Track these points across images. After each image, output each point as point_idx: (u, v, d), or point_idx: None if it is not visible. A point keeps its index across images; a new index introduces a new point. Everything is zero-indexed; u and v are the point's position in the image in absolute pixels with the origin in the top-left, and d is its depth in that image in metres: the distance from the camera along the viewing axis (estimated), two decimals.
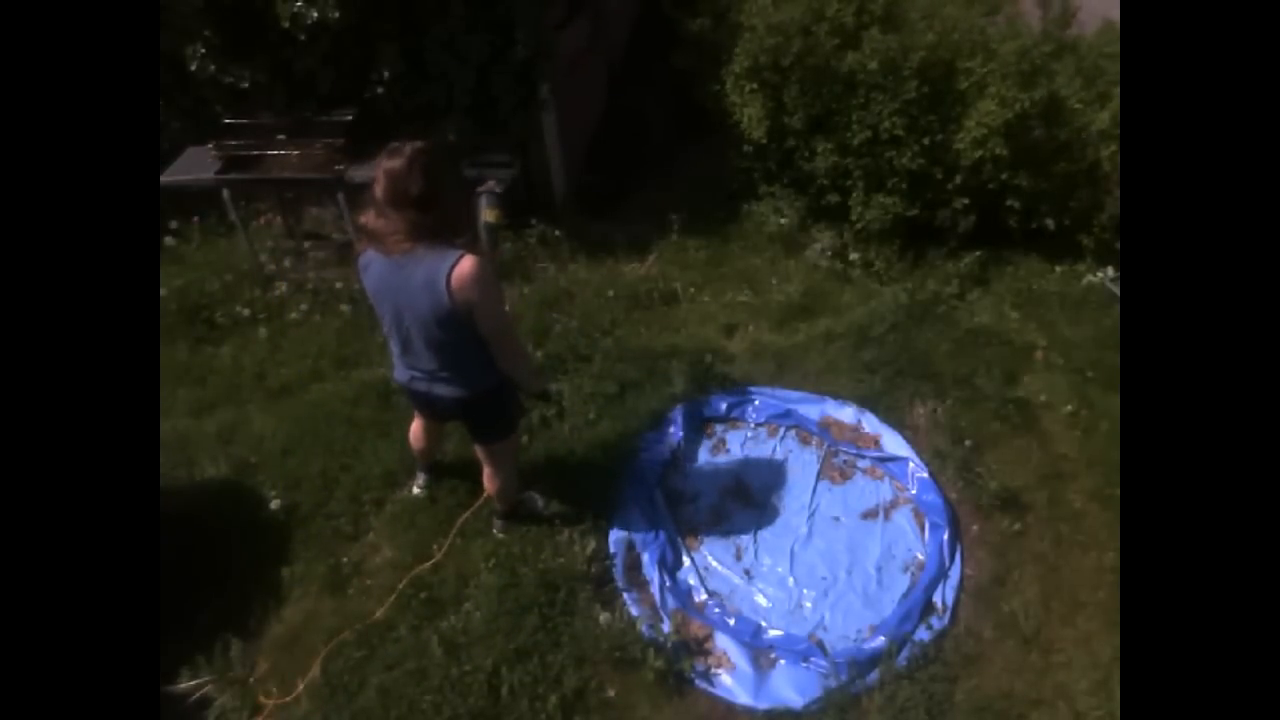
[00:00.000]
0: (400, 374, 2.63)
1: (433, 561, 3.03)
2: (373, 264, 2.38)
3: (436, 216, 2.24)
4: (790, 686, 2.71)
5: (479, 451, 2.88)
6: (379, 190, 2.23)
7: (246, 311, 4.26)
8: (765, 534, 3.21)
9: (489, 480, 2.96)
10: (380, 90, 4.18)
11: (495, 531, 3.13)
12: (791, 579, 3.06)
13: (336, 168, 4.03)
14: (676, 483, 3.42)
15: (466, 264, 2.24)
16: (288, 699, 2.67)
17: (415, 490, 3.27)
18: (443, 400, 2.60)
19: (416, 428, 3.07)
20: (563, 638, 2.79)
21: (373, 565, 3.07)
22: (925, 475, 3.32)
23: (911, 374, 3.79)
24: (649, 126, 5.95)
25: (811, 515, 3.27)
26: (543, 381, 2.87)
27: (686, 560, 3.12)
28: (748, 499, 3.35)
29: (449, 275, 2.23)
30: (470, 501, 3.21)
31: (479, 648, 2.75)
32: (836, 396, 3.72)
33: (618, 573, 3.02)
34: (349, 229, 4.30)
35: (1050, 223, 4.37)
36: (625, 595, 2.95)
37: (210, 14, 3.94)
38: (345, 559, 3.08)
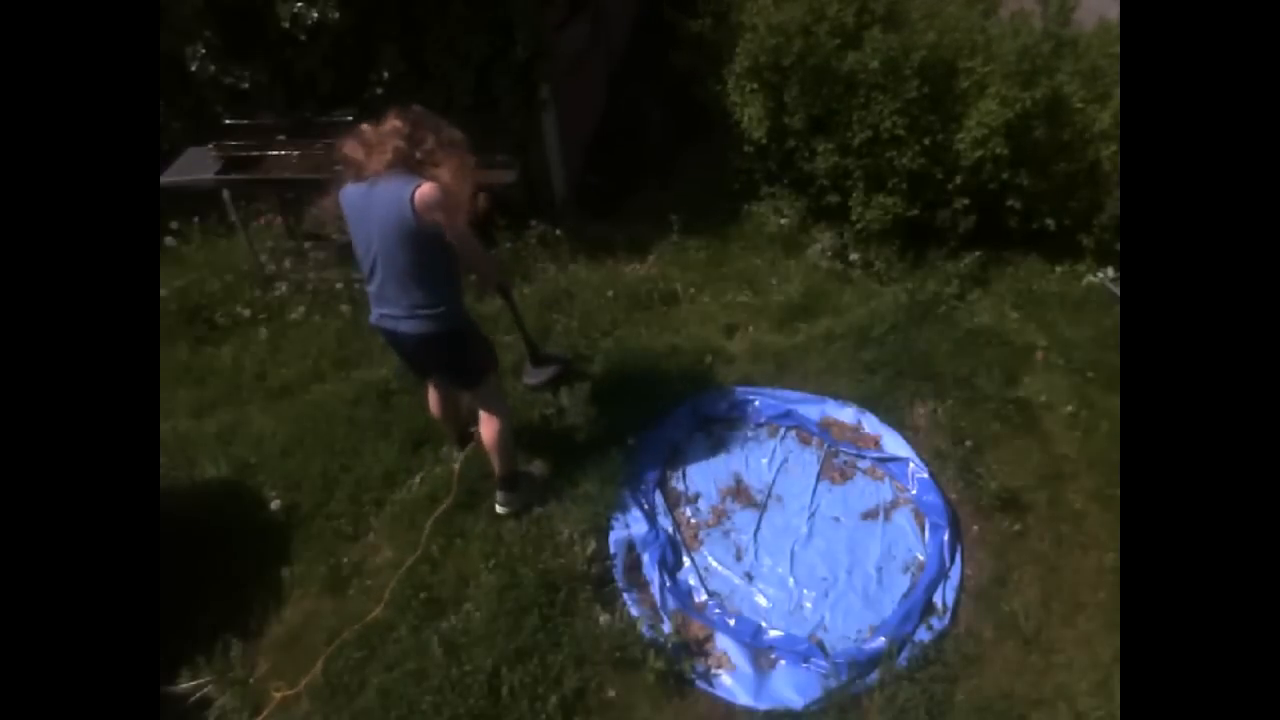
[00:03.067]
0: (373, 315, 2.78)
1: (419, 552, 3.04)
2: (349, 192, 2.64)
3: (421, 155, 2.57)
4: (790, 687, 2.71)
5: (468, 399, 2.97)
6: (369, 124, 2.60)
7: (246, 312, 4.26)
8: (765, 534, 3.21)
9: (484, 428, 3.01)
10: (380, 91, 4.18)
11: (497, 506, 3.14)
12: (791, 579, 3.06)
13: (337, 168, 4.02)
14: (676, 483, 3.42)
15: (428, 186, 2.50)
16: (294, 690, 2.67)
17: (455, 467, 3.31)
18: (409, 339, 2.75)
19: (432, 398, 3.19)
20: (563, 638, 2.79)
21: (373, 565, 3.07)
22: (925, 476, 3.32)
23: (912, 374, 3.79)
24: (649, 126, 5.95)
25: (812, 515, 3.27)
26: (503, 276, 3.19)
27: (686, 561, 3.12)
28: (748, 499, 3.35)
29: (413, 194, 2.49)
30: (471, 501, 3.22)
31: (479, 648, 2.75)
32: (837, 397, 3.72)
33: (618, 573, 3.02)
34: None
35: (1050, 223, 4.37)
36: (625, 595, 2.95)
37: (210, 14, 3.93)
38: (345, 559, 3.08)
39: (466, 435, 3.37)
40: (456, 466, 3.30)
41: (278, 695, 2.66)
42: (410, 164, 2.57)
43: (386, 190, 2.54)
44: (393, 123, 2.59)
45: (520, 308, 3.30)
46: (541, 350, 3.56)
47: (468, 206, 2.74)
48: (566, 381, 3.69)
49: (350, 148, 2.61)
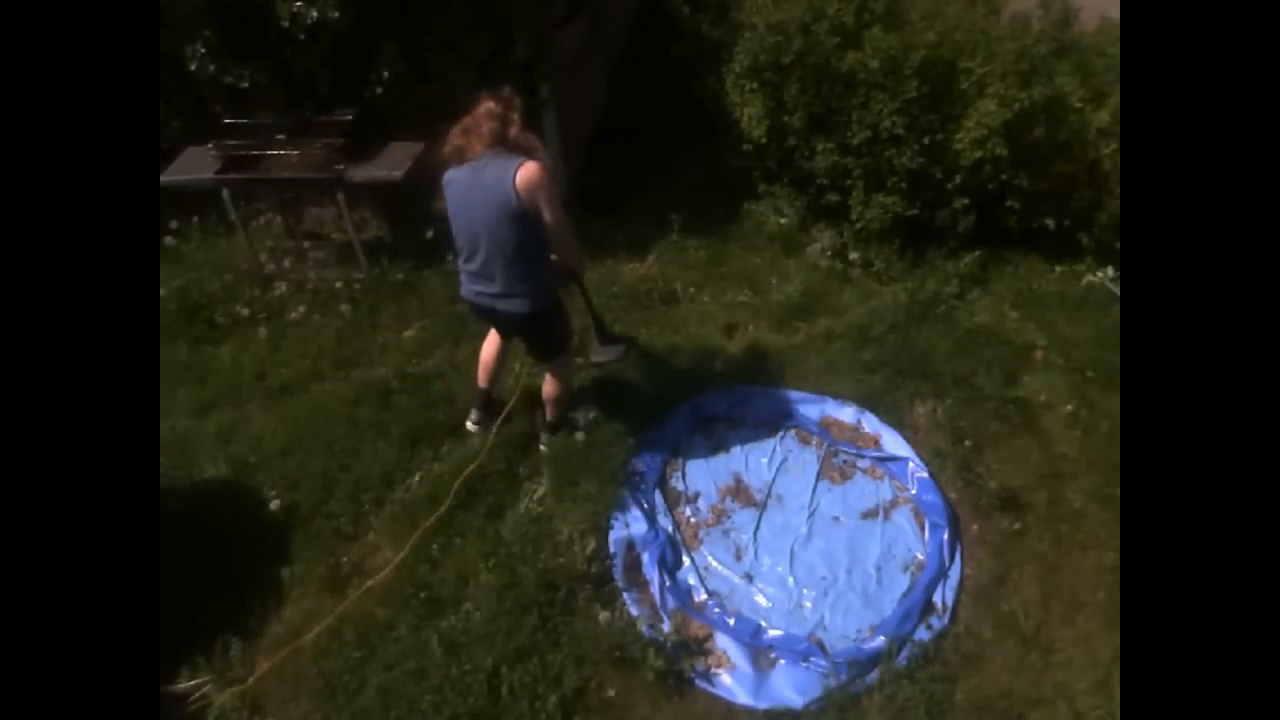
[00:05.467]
0: (466, 289, 2.95)
1: (430, 523, 3.10)
2: (454, 179, 2.78)
3: (514, 134, 2.73)
4: (790, 686, 2.71)
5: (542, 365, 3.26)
6: (469, 114, 2.75)
7: (246, 311, 4.26)
8: (765, 534, 3.22)
9: (548, 385, 3.27)
10: (380, 90, 4.18)
11: (541, 446, 3.37)
12: (791, 579, 3.06)
13: (336, 168, 4.03)
14: (676, 483, 3.42)
15: (531, 166, 2.65)
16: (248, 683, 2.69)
17: (469, 426, 3.46)
18: (506, 315, 2.92)
19: (489, 344, 3.36)
20: (563, 638, 2.80)
21: (373, 565, 3.06)
22: (925, 475, 3.32)
23: (911, 374, 3.79)
24: (649, 126, 5.93)
25: (811, 515, 3.28)
26: (584, 266, 3.35)
27: (686, 560, 3.12)
28: (748, 498, 3.35)
29: (515, 173, 2.64)
30: (469, 502, 3.22)
31: (479, 648, 2.75)
32: (836, 396, 3.72)
33: (618, 573, 3.02)
34: (349, 229, 4.30)
35: (1050, 223, 4.37)
36: (625, 595, 2.95)
37: (210, 14, 3.93)
38: (345, 559, 3.08)
39: (492, 401, 3.48)
40: (471, 426, 3.46)
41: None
42: (507, 144, 2.71)
43: (489, 171, 2.68)
44: (486, 104, 2.73)
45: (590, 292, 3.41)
46: (609, 330, 3.60)
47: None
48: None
49: (454, 135, 2.77)
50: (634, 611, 2.90)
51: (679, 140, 5.76)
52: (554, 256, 2.94)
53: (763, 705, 2.67)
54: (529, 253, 2.78)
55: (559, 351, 3.17)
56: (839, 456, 3.52)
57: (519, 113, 2.75)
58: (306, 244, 4.75)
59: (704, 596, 3.01)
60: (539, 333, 3.06)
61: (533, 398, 3.69)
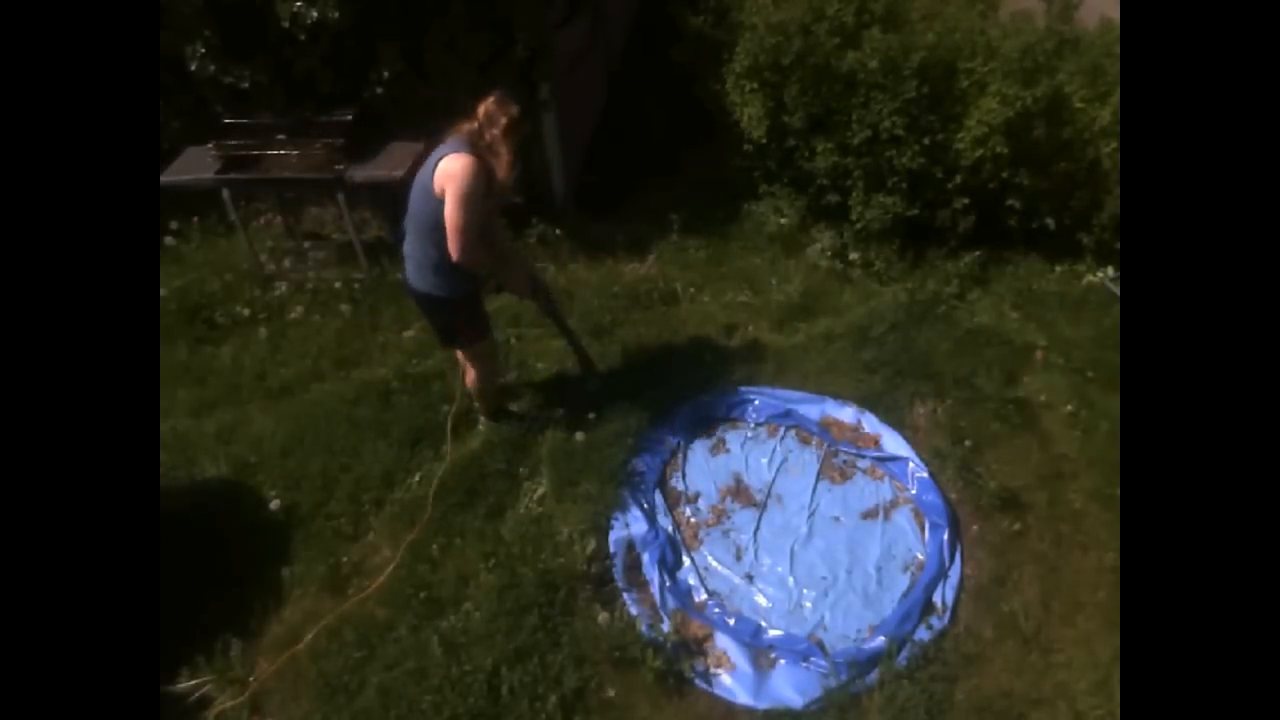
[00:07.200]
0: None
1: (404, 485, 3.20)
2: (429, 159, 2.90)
3: (489, 137, 2.78)
4: (790, 686, 2.71)
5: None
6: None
7: (246, 311, 4.26)
8: (765, 534, 3.22)
9: (467, 375, 3.40)
10: (380, 90, 4.18)
11: (479, 426, 3.50)
12: (791, 579, 3.06)
13: (336, 168, 4.03)
14: (676, 483, 3.42)
15: (459, 158, 2.70)
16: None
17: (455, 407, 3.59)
18: (408, 288, 3.07)
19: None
20: (563, 638, 2.80)
21: (373, 565, 3.06)
22: (925, 475, 3.32)
23: (911, 374, 3.79)
24: (649, 126, 5.94)
25: (811, 515, 3.28)
26: (533, 287, 3.37)
27: (686, 560, 3.12)
28: (748, 499, 3.35)
29: (441, 158, 2.73)
30: (469, 501, 3.22)
31: (479, 648, 2.75)
32: (836, 396, 3.72)
33: (618, 573, 3.02)
34: (349, 229, 4.30)
35: (1050, 222, 4.37)
36: (625, 595, 2.95)
37: (210, 14, 3.93)
38: (345, 559, 3.08)
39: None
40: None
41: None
42: (476, 142, 2.78)
43: (437, 153, 2.81)
44: (485, 103, 2.81)
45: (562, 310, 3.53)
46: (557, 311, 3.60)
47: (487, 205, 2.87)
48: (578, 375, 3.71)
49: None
50: (634, 611, 2.90)
51: (679, 140, 5.76)
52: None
53: (763, 705, 2.67)
54: (437, 237, 2.82)
55: (462, 344, 3.24)
56: (839, 456, 3.52)
57: (507, 123, 2.76)
58: (306, 244, 4.75)
59: (704, 596, 3.01)
60: (434, 317, 3.18)
61: (535, 391, 3.71)
